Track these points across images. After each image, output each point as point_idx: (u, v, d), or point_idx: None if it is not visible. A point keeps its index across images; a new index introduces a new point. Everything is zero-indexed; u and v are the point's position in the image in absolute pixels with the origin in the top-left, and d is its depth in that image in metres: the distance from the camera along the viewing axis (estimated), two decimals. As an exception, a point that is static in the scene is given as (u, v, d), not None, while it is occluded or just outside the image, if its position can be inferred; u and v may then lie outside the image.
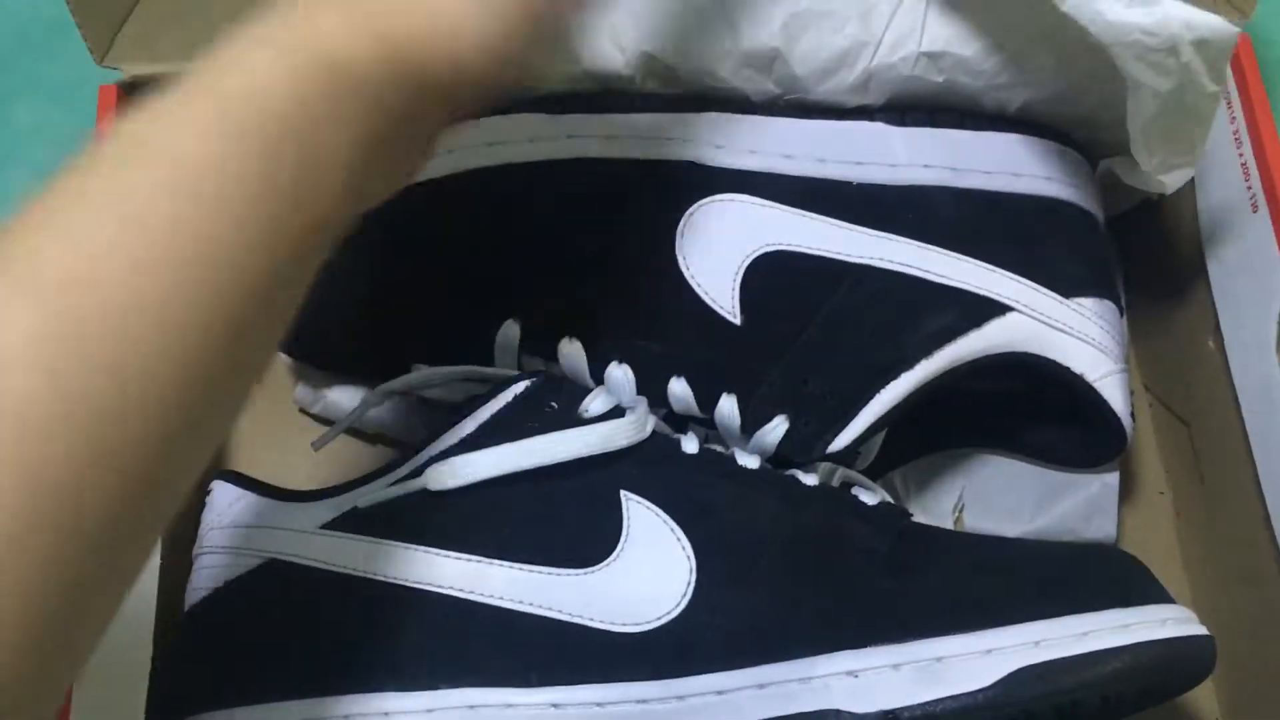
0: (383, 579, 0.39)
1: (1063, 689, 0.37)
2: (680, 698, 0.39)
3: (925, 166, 0.44)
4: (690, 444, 0.42)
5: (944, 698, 0.37)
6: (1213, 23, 0.38)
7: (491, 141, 0.43)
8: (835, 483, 0.43)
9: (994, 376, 0.45)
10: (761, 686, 0.38)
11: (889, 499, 0.43)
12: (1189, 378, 0.49)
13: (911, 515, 0.42)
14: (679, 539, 0.39)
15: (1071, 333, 0.44)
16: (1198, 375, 0.48)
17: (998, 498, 0.49)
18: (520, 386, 0.41)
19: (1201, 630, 0.39)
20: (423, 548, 0.39)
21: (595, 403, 0.41)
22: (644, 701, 0.39)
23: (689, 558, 0.39)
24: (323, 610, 0.39)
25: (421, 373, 0.44)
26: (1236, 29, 0.39)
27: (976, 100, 0.45)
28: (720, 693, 0.38)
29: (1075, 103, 0.45)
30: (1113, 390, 0.44)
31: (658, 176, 0.43)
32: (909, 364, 0.42)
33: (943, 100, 0.45)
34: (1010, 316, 0.43)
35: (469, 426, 0.41)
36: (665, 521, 0.40)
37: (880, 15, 0.43)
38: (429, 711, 0.39)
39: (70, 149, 0.56)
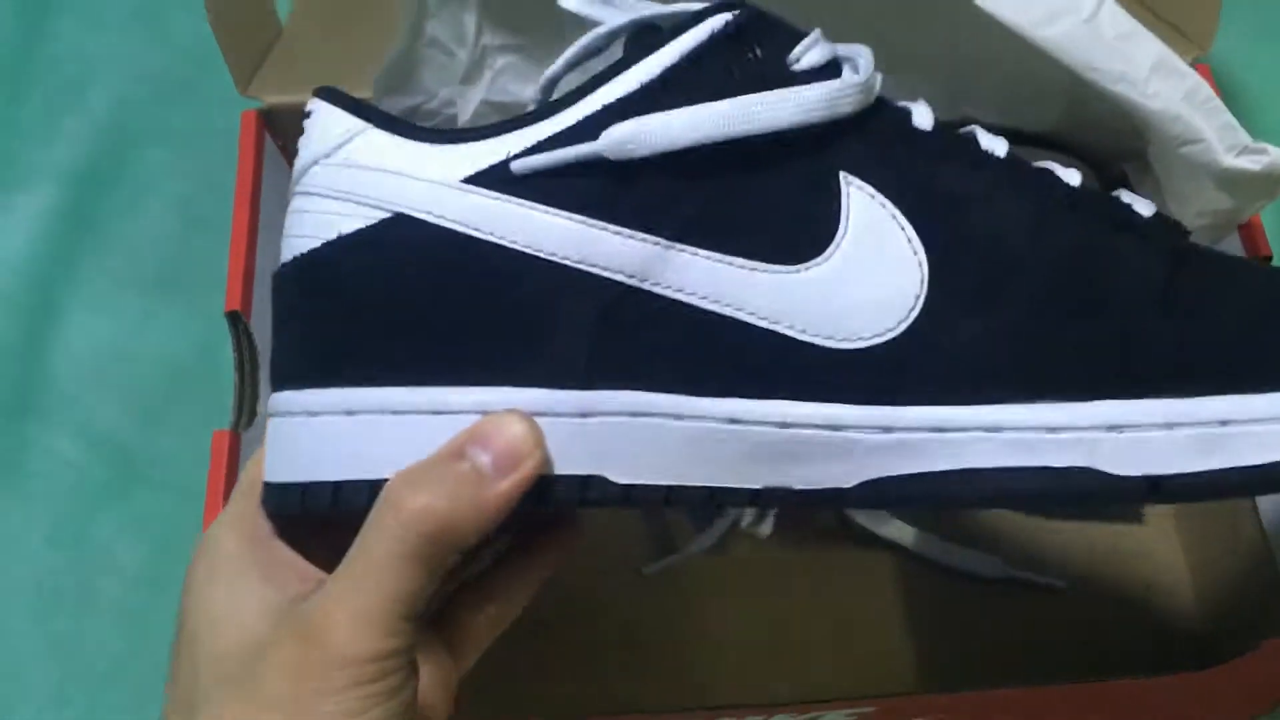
0: (540, 254, 0.29)
1: None
2: (886, 429, 0.29)
3: None
4: (923, 116, 0.32)
5: (1224, 469, 0.29)
6: None
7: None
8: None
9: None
10: (994, 430, 0.29)
11: (1163, 211, 0.33)
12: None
13: (1190, 233, 0.33)
14: (910, 239, 0.30)
15: None
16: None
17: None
18: (718, 23, 0.30)
19: None
20: (592, 221, 0.29)
21: (811, 53, 0.31)
22: (838, 428, 0.29)
23: (921, 264, 0.30)
24: (461, 283, 0.30)
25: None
26: None
27: (991, 127, 0.46)
28: (939, 430, 0.29)
29: (1081, 132, 0.46)
30: None
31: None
32: None
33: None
34: None
35: (649, 70, 0.30)
36: (894, 215, 0.30)
37: (922, 92, 0.43)
38: (584, 416, 0.29)
39: (194, 183, 0.59)
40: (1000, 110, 0.44)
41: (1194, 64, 0.44)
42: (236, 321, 0.43)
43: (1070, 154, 0.46)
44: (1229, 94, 0.50)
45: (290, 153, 0.49)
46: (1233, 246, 0.43)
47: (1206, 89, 0.38)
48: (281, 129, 0.49)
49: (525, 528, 0.35)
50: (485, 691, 0.35)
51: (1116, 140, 0.44)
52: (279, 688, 0.28)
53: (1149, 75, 0.38)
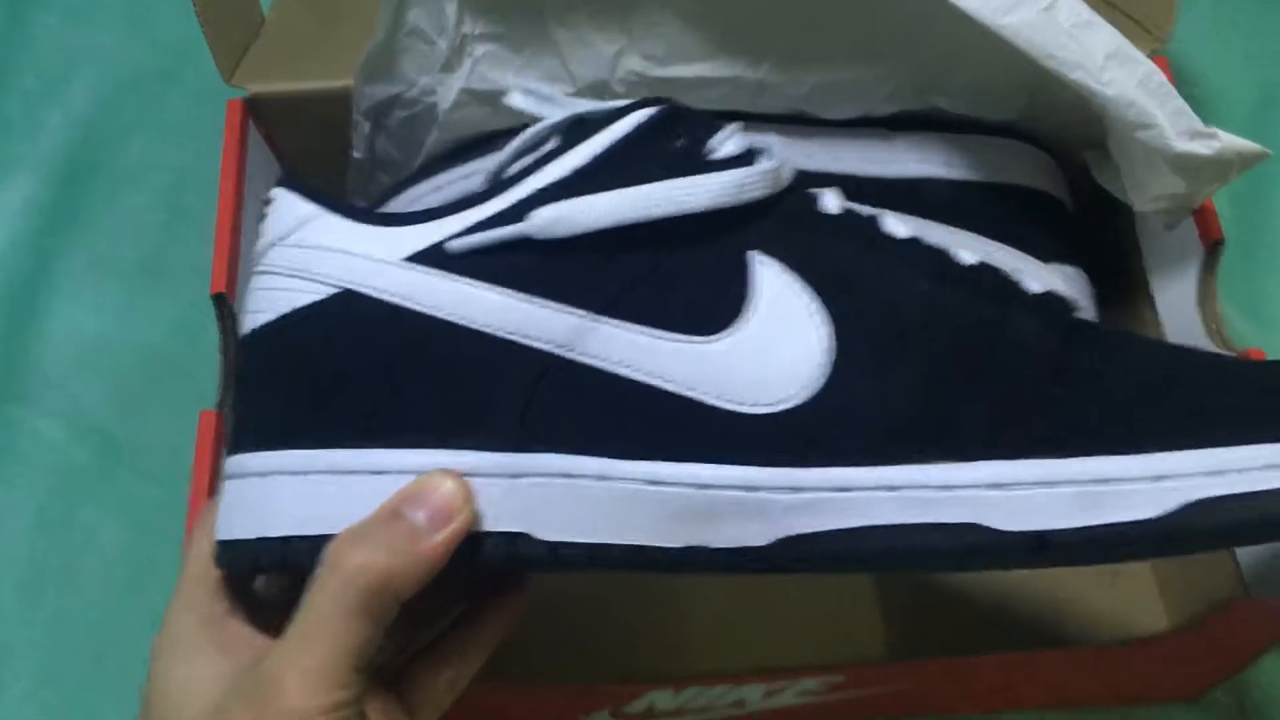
0: (473, 326, 0.32)
1: (1237, 525, 0.30)
2: (795, 489, 0.31)
3: (922, 162, 0.45)
4: (830, 202, 0.34)
5: (1103, 525, 0.30)
6: (1254, 148, 0.40)
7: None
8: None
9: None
10: (893, 489, 0.31)
11: (1055, 288, 0.35)
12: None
13: (1077, 309, 0.34)
14: (815, 313, 0.32)
15: None
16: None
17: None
18: (643, 116, 0.33)
19: None
20: (522, 296, 0.32)
21: (727, 144, 0.34)
22: (753, 489, 0.31)
23: (825, 336, 0.32)
24: (401, 354, 0.32)
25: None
26: (1266, 149, 0.40)
27: (961, 116, 0.47)
28: (843, 489, 0.31)
29: (1044, 121, 0.47)
30: None
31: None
32: None
33: (933, 117, 0.46)
34: None
35: (579, 158, 0.32)
36: (801, 290, 0.32)
37: (892, 83, 0.44)
38: (514, 478, 0.32)
39: (175, 174, 0.60)
40: (967, 100, 0.45)
41: (1152, 56, 0.45)
42: (222, 304, 0.44)
43: (1034, 142, 0.47)
44: (1186, 85, 0.52)
45: (274, 141, 0.50)
46: (1187, 231, 0.44)
47: (1160, 76, 0.39)
48: (265, 117, 0.50)
49: (476, 594, 0.38)
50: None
51: (1078, 129, 0.46)
52: None
53: (1104, 63, 0.39)
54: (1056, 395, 0.32)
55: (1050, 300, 0.34)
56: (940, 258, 0.34)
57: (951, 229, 0.44)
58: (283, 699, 0.30)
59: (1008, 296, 0.34)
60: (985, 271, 0.34)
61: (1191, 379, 0.33)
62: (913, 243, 0.34)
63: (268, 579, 0.39)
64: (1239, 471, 0.30)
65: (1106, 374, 0.32)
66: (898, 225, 0.35)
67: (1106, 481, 0.30)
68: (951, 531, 0.31)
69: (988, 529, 0.30)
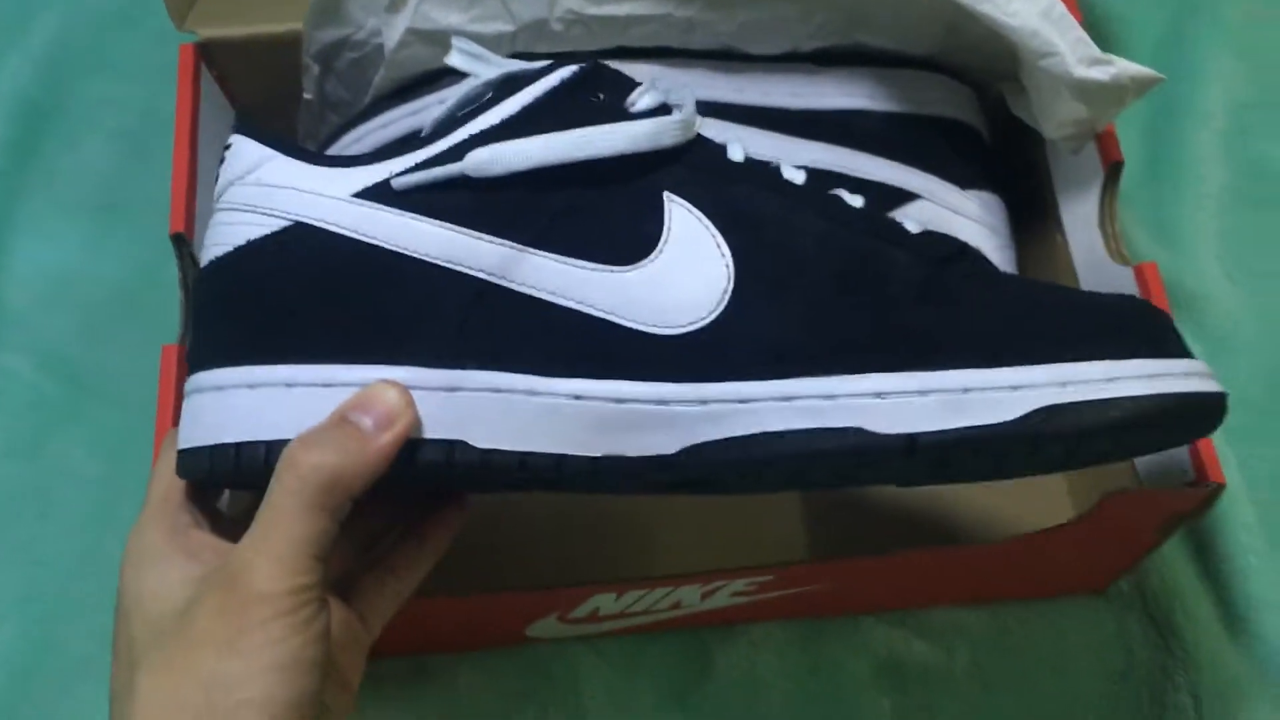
0: (414, 255, 0.35)
1: (1082, 429, 0.34)
2: (702, 402, 0.35)
3: (848, 96, 0.47)
4: (736, 152, 0.38)
5: (965, 427, 0.34)
6: (1148, 73, 0.43)
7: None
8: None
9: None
10: (787, 399, 0.35)
11: (932, 229, 0.39)
12: (1043, 270, 0.53)
13: (956, 245, 0.39)
14: (719, 245, 0.36)
15: (969, 216, 0.47)
16: (1050, 267, 0.52)
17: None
18: (567, 72, 0.37)
19: (1218, 388, 0.36)
20: (458, 228, 0.35)
21: (644, 98, 0.37)
22: (664, 402, 0.35)
23: (728, 266, 0.36)
24: (349, 279, 0.35)
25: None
26: (1160, 75, 0.43)
27: (884, 50, 0.48)
28: (743, 401, 0.35)
29: (962, 55, 0.49)
30: (1003, 262, 0.48)
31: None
32: None
33: (858, 52, 0.48)
34: (919, 202, 0.46)
35: (510, 108, 0.36)
36: (707, 227, 0.36)
37: (816, 19, 0.46)
38: (451, 390, 0.35)
39: (134, 116, 0.60)
40: (888, 36, 0.47)
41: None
42: (181, 243, 0.46)
43: (954, 76, 0.49)
44: (1095, 22, 0.53)
45: (227, 84, 0.51)
46: (1090, 155, 0.47)
47: (1061, 7, 0.42)
48: (217, 61, 0.51)
49: (418, 511, 0.41)
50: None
51: (992, 62, 0.48)
52: (210, 628, 0.33)
53: (1010, -4, 0.41)
54: (928, 318, 0.36)
55: (927, 237, 0.38)
56: (834, 200, 0.38)
57: (875, 158, 0.47)
58: (251, 584, 0.33)
59: (889, 234, 0.38)
60: (871, 213, 0.38)
61: (1045, 307, 0.37)
62: (810, 189, 0.38)
63: (230, 497, 0.41)
64: (1082, 383, 0.35)
65: (972, 301, 0.36)
66: (795, 174, 0.39)
67: (969, 390, 0.35)
68: (837, 435, 0.35)
69: (868, 432, 0.35)
